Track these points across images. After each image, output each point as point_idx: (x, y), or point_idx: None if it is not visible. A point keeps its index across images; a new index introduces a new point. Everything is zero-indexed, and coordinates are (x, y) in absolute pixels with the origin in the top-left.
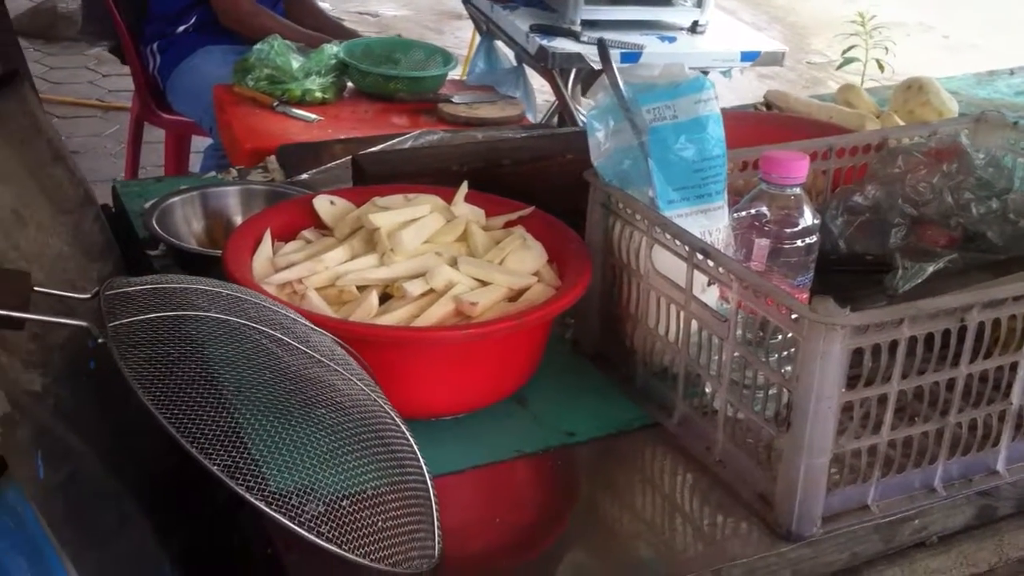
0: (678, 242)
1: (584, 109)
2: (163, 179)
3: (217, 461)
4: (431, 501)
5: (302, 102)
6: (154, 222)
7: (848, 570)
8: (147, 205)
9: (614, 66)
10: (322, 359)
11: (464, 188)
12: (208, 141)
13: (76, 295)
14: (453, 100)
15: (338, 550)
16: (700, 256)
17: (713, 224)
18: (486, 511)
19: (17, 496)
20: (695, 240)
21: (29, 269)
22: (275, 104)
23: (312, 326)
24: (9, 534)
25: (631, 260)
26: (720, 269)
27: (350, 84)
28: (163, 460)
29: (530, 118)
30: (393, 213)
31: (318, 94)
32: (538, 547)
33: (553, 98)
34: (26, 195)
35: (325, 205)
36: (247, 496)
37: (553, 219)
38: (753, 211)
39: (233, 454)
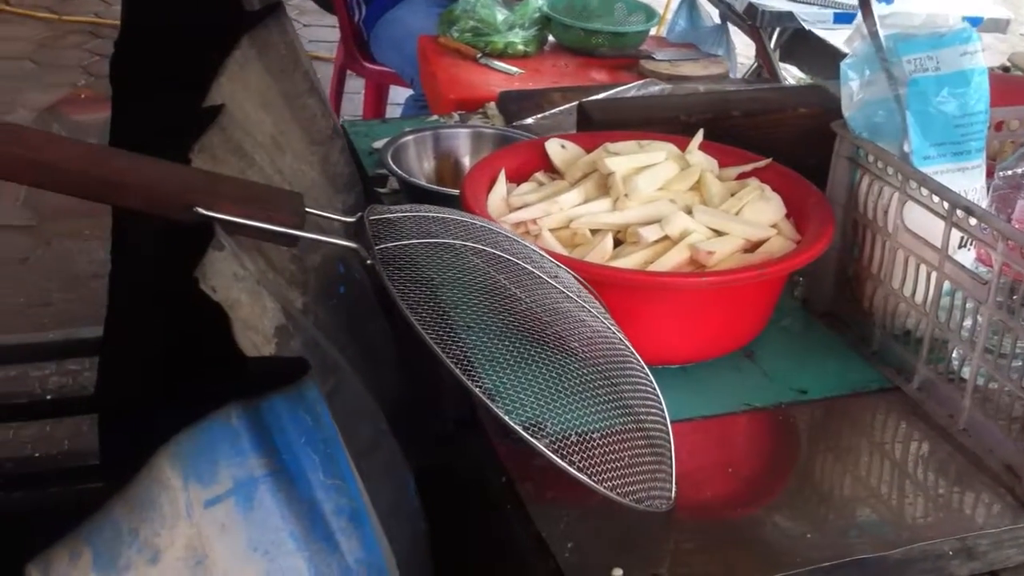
0: (936, 198)
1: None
2: (388, 120)
3: (479, 384)
4: (670, 444)
5: (504, 55)
6: (389, 159)
7: None
8: (376, 144)
9: (875, 14)
10: (570, 294)
11: (699, 136)
12: (405, 92)
13: (342, 218)
14: (655, 57)
15: (588, 480)
16: (960, 214)
17: (970, 183)
18: (715, 461)
19: (316, 396)
20: (957, 197)
21: None
22: (478, 56)
23: (558, 263)
24: (307, 430)
25: (878, 217)
26: (984, 228)
27: (551, 38)
28: (398, 385)
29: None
30: (627, 159)
31: (520, 47)
32: (762, 501)
33: (751, 60)
34: (282, 123)
35: (557, 149)
36: (507, 420)
37: (791, 172)
38: (1020, 170)
39: (493, 379)
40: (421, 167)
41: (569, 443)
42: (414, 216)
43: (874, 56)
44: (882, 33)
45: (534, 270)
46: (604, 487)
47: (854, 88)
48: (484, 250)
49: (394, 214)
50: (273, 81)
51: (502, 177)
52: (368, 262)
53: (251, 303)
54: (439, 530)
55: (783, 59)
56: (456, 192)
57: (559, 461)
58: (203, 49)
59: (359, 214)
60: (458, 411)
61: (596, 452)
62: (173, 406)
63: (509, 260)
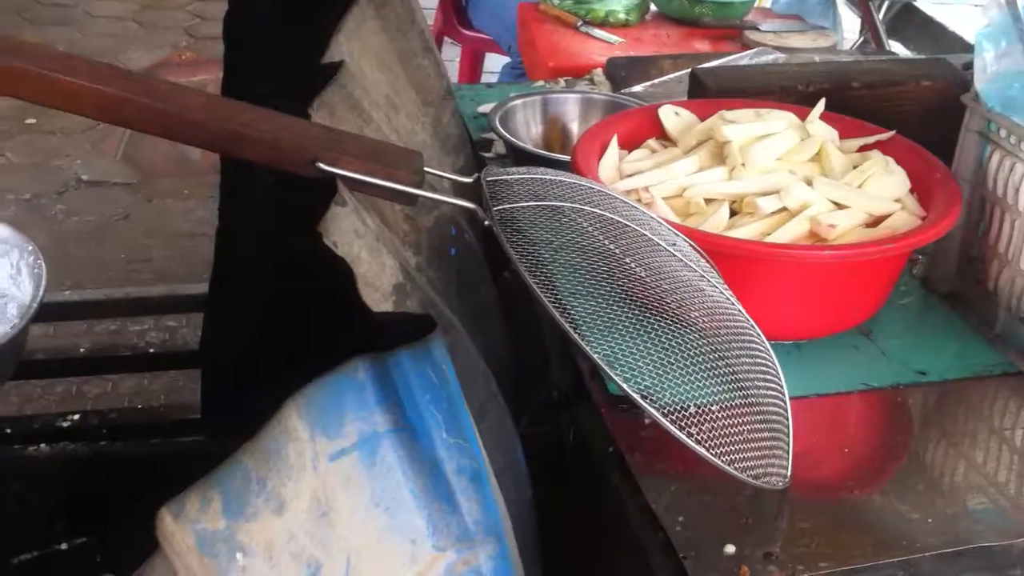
0: None
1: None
2: (493, 85)
3: (597, 351)
4: (788, 421)
5: (605, 23)
6: (497, 123)
7: None
8: (481, 108)
9: None
10: (689, 263)
11: (821, 106)
12: (500, 60)
13: (460, 178)
14: (760, 28)
15: (707, 453)
16: None
17: None
18: (830, 440)
19: (442, 353)
20: None
21: None
22: (579, 24)
23: (676, 231)
24: (432, 388)
25: (1008, 194)
26: None
27: (653, 7)
28: (504, 350)
29: None
30: (745, 127)
31: (622, 16)
32: (879, 483)
33: (854, 35)
34: (397, 83)
35: (670, 116)
36: (626, 388)
37: (915, 145)
38: None
39: (610, 345)
40: (528, 132)
41: (687, 415)
42: (530, 179)
43: (1011, 26)
44: (1020, 2)
45: (653, 237)
46: (721, 460)
47: (988, 59)
48: (602, 215)
49: (511, 176)
50: (389, 40)
51: (614, 143)
52: (485, 223)
53: (371, 260)
54: (543, 498)
55: (887, 35)
56: (564, 158)
57: (678, 432)
58: (318, 6)
59: (476, 175)
60: (564, 378)
61: (714, 425)
62: (278, 363)
63: (627, 226)
